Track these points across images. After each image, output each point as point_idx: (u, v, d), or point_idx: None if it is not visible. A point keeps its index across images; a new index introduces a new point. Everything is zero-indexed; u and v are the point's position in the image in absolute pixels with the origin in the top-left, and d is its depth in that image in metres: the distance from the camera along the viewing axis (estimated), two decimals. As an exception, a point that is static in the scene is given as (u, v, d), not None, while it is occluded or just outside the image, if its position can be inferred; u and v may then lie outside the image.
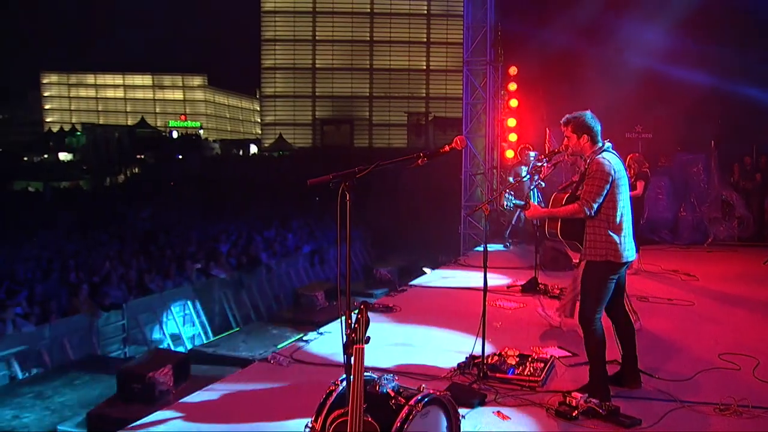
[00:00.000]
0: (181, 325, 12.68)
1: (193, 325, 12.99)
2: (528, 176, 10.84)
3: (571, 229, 5.60)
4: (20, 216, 27.20)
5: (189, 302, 13.12)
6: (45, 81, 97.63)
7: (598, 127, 5.51)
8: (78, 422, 6.83)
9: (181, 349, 11.70)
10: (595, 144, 5.49)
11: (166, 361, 6.66)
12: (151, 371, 6.36)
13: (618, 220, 5.38)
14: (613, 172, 5.33)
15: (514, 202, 6.04)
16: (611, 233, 5.36)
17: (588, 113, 5.54)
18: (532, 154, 11.85)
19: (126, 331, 11.94)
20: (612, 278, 5.47)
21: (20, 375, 9.84)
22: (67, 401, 7.86)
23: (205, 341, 12.43)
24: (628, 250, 5.43)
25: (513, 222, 14.36)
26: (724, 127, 14.89)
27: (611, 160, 5.39)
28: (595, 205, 5.34)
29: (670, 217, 14.96)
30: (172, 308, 12.69)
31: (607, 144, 5.53)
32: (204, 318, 13.24)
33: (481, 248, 13.72)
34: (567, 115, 5.57)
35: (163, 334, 12.25)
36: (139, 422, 5.55)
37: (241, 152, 74.70)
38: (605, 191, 5.32)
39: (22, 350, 10.17)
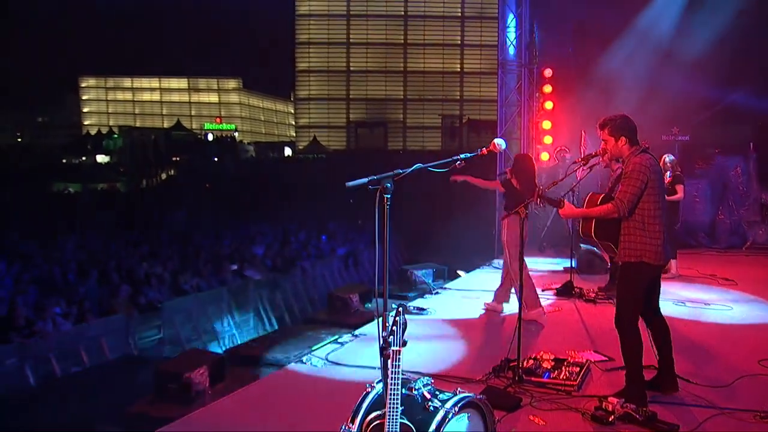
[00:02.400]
0: (217, 326, 12.76)
1: (229, 326, 13.07)
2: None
3: (605, 231, 5.55)
4: (59, 217, 27.61)
5: (224, 303, 13.21)
6: (83, 85, 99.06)
7: (634, 128, 5.46)
8: (115, 421, 6.90)
9: (216, 350, 11.78)
10: (633, 145, 5.44)
11: (202, 361, 6.71)
12: (187, 372, 6.40)
13: (653, 221, 5.32)
14: (650, 173, 5.28)
15: (548, 200, 5.98)
16: (646, 235, 5.31)
17: (623, 115, 5.50)
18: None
19: (162, 332, 12.04)
20: (647, 280, 5.42)
21: (59, 374, 9.97)
22: (104, 400, 7.95)
23: (240, 342, 12.51)
24: (662, 253, 5.36)
25: (548, 225, 14.30)
26: (763, 129, 14.69)
27: (649, 161, 5.34)
28: (630, 206, 5.28)
29: (708, 221, 14.80)
30: (208, 309, 12.78)
31: (644, 146, 5.47)
32: (239, 319, 13.32)
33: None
34: (603, 118, 5.53)
35: (199, 335, 12.33)
36: (175, 422, 5.61)
37: (276, 155, 75.09)
38: (641, 192, 5.27)
39: (62, 349, 10.30)
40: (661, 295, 5.71)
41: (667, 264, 5.54)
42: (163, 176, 56.24)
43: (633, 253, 5.34)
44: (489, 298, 9.44)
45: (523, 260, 7.33)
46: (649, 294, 5.56)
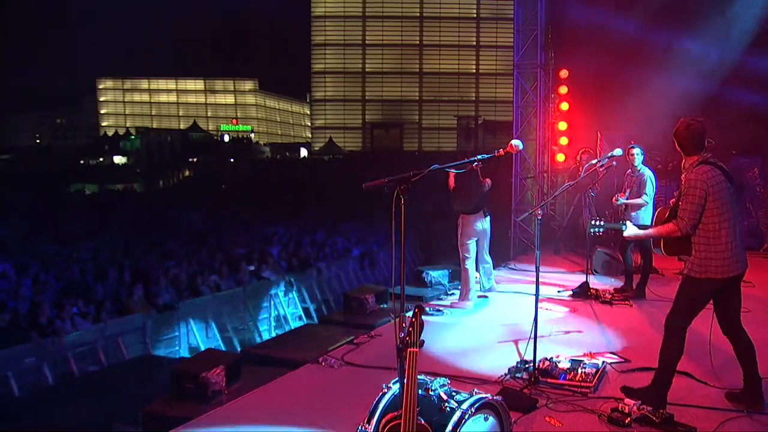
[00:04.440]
0: (233, 327, 12.82)
1: (245, 327, 13.12)
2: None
3: (676, 246, 5.48)
4: (77, 218, 27.77)
5: (241, 304, 13.26)
6: (101, 86, 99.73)
7: (692, 137, 5.35)
8: (132, 420, 6.94)
9: (232, 350, 11.83)
10: (692, 155, 5.35)
11: (218, 361, 6.73)
12: (203, 371, 6.43)
13: (718, 234, 5.19)
14: (707, 186, 5.15)
15: (605, 226, 5.98)
16: (711, 249, 5.19)
17: (684, 123, 5.37)
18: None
19: (179, 332, 12.10)
20: (710, 294, 5.32)
21: (77, 373, 10.04)
22: (121, 399, 7.99)
23: (256, 342, 12.55)
24: (731, 265, 5.21)
25: (564, 226, 14.28)
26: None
27: (706, 174, 5.21)
28: (692, 222, 5.17)
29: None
30: (223, 309, 12.84)
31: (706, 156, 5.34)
32: (255, 319, 13.38)
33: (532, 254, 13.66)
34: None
35: (215, 334, 12.39)
36: (191, 421, 5.65)
37: (294, 155, 75.33)
38: (701, 207, 5.15)
39: (79, 349, 10.38)
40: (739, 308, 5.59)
41: (742, 273, 5.34)
42: (180, 177, 56.48)
43: (698, 268, 5.25)
44: (504, 298, 9.58)
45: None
46: (724, 306, 5.45)
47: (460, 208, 9.47)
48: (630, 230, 5.70)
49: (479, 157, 5.39)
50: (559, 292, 10.09)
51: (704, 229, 5.20)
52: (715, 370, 6.29)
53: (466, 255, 9.45)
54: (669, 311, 5.48)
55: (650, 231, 5.61)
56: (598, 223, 6.01)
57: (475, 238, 9.51)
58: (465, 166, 5.61)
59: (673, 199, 5.71)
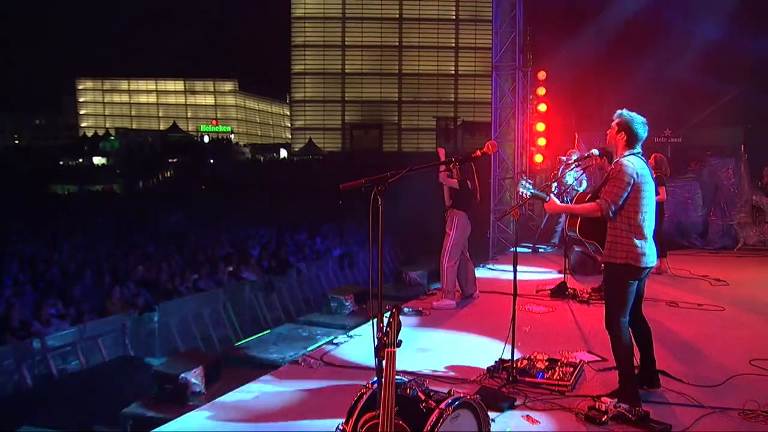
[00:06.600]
0: (213, 327, 12.79)
1: (225, 327, 13.10)
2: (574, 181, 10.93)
3: (591, 229, 5.59)
4: (57, 219, 27.59)
5: (220, 304, 13.24)
6: (80, 87, 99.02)
7: (640, 135, 5.44)
8: (112, 422, 6.93)
9: (212, 350, 11.80)
10: (628, 147, 5.44)
11: (198, 362, 6.73)
12: (183, 372, 6.43)
13: (640, 224, 5.33)
14: (636, 175, 5.28)
15: (531, 191, 5.92)
16: (632, 237, 5.31)
17: (640, 118, 5.47)
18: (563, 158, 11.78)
19: (158, 333, 12.07)
20: (632, 282, 5.42)
21: (56, 374, 9.99)
22: (101, 401, 7.97)
23: (236, 343, 12.54)
24: (649, 256, 5.37)
25: (542, 226, 14.37)
26: (754, 130, 14.76)
27: (635, 163, 5.34)
28: (614, 206, 5.30)
29: (700, 222, 14.83)
30: (203, 310, 12.81)
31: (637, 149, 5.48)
32: (235, 320, 13.36)
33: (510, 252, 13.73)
34: (625, 110, 5.54)
35: (195, 335, 12.36)
36: (171, 422, 5.65)
37: (273, 156, 75.15)
38: (626, 193, 5.28)
39: (59, 350, 10.33)
40: (654, 297, 5.75)
41: (651, 267, 5.53)
42: (160, 178, 56.19)
43: (619, 254, 5.35)
44: (482, 298, 9.66)
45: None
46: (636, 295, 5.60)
47: (465, 206, 9.40)
48: (551, 203, 5.75)
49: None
50: (537, 291, 10.16)
51: (627, 216, 5.33)
52: (690, 368, 6.38)
53: (457, 253, 9.39)
54: (605, 313, 5.57)
55: (571, 206, 5.66)
56: (527, 184, 5.91)
57: (466, 237, 9.51)
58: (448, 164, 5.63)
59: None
